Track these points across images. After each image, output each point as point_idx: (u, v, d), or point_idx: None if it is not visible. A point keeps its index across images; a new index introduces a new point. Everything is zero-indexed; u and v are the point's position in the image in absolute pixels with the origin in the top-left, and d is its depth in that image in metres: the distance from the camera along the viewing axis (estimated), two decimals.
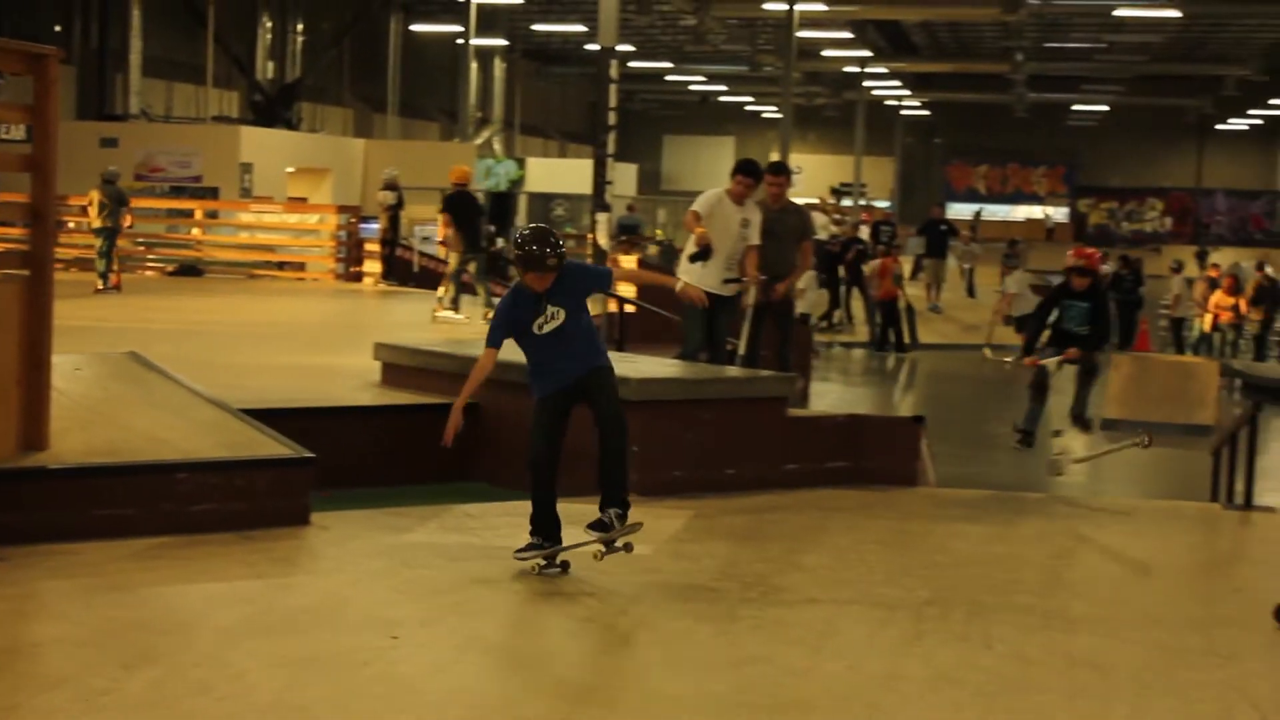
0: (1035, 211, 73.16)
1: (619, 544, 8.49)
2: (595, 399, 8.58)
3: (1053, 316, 13.04)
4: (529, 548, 8.64)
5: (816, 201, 44.44)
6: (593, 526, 8.50)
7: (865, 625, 7.98)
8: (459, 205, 21.06)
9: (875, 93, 60.52)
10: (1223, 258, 42.14)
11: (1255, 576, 10.03)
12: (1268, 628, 8.32)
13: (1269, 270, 33.57)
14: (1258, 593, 9.35)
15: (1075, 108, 68.84)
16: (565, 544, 8.62)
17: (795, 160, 49.23)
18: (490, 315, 20.25)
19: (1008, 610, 8.41)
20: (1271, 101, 62.46)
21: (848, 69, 55.40)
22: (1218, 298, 31.18)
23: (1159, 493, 15.74)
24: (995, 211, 71.55)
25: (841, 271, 32.78)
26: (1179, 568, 10.33)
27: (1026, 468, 14.81)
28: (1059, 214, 73.52)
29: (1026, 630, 8.04)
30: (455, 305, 20.75)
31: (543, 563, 8.58)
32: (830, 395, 21.90)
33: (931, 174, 72.88)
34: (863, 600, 8.51)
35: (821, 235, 34.87)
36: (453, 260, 21.16)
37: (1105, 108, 67.89)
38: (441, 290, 21.10)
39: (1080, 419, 13.09)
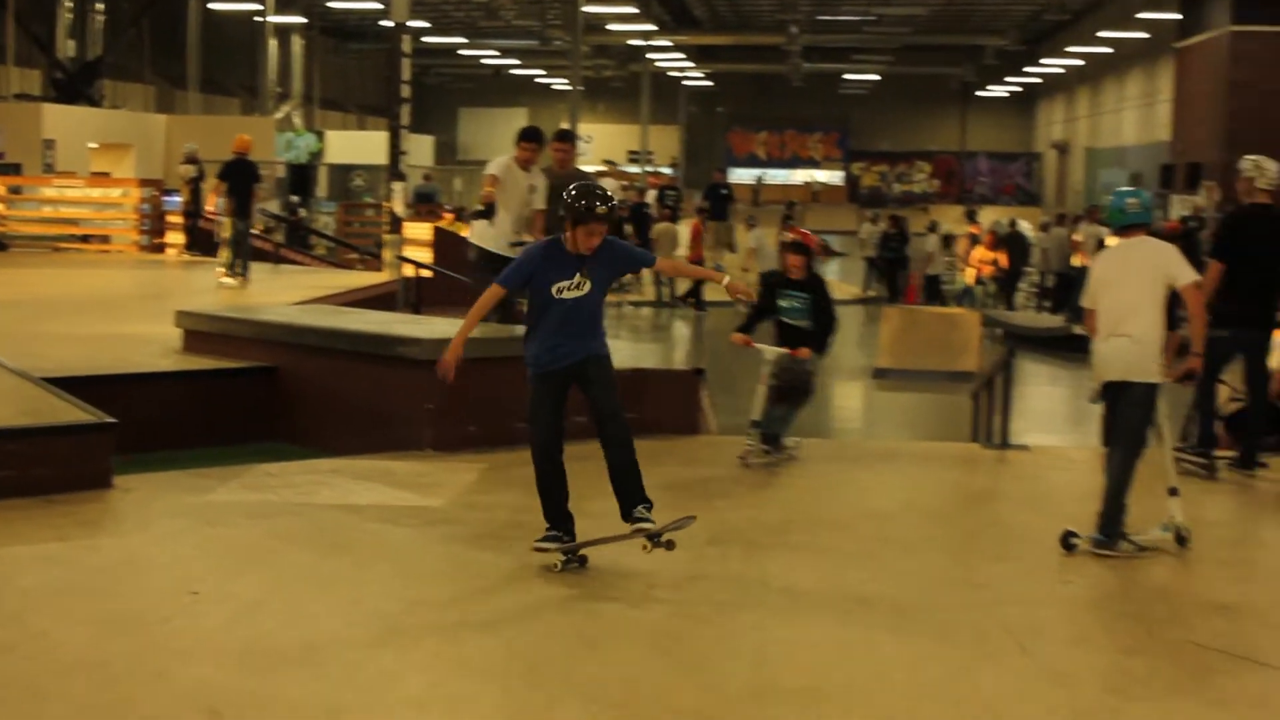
0: (812, 175, 73.96)
1: (664, 538, 7.75)
2: (594, 392, 7.87)
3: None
4: (548, 539, 7.91)
5: (604, 168, 44.41)
6: (628, 521, 7.82)
7: (648, 566, 8.05)
8: (234, 173, 20.90)
9: (660, 65, 60.67)
10: (986, 216, 42.95)
11: (1010, 510, 10.28)
12: (1023, 557, 8.58)
13: (1020, 226, 34.27)
14: (1013, 526, 9.63)
15: (847, 77, 69.57)
16: (590, 539, 7.93)
17: (585, 130, 49.33)
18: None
19: (782, 548, 8.55)
20: (1027, 69, 63.73)
21: (633, 42, 55.42)
22: (980, 253, 31.78)
23: (924, 435, 16.08)
24: (776, 176, 72.25)
25: (629, 233, 32.85)
26: (941, 504, 10.55)
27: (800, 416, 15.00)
28: (835, 177, 74.39)
29: (798, 566, 8.18)
30: (233, 271, 20.52)
31: (564, 558, 7.87)
32: (620, 351, 21.82)
33: (714, 141, 73.25)
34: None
35: None
36: (226, 226, 20.92)
37: (876, 77, 68.70)
38: (222, 256, 20.89)
39: (772, 439, 10.94)
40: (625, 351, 22.59)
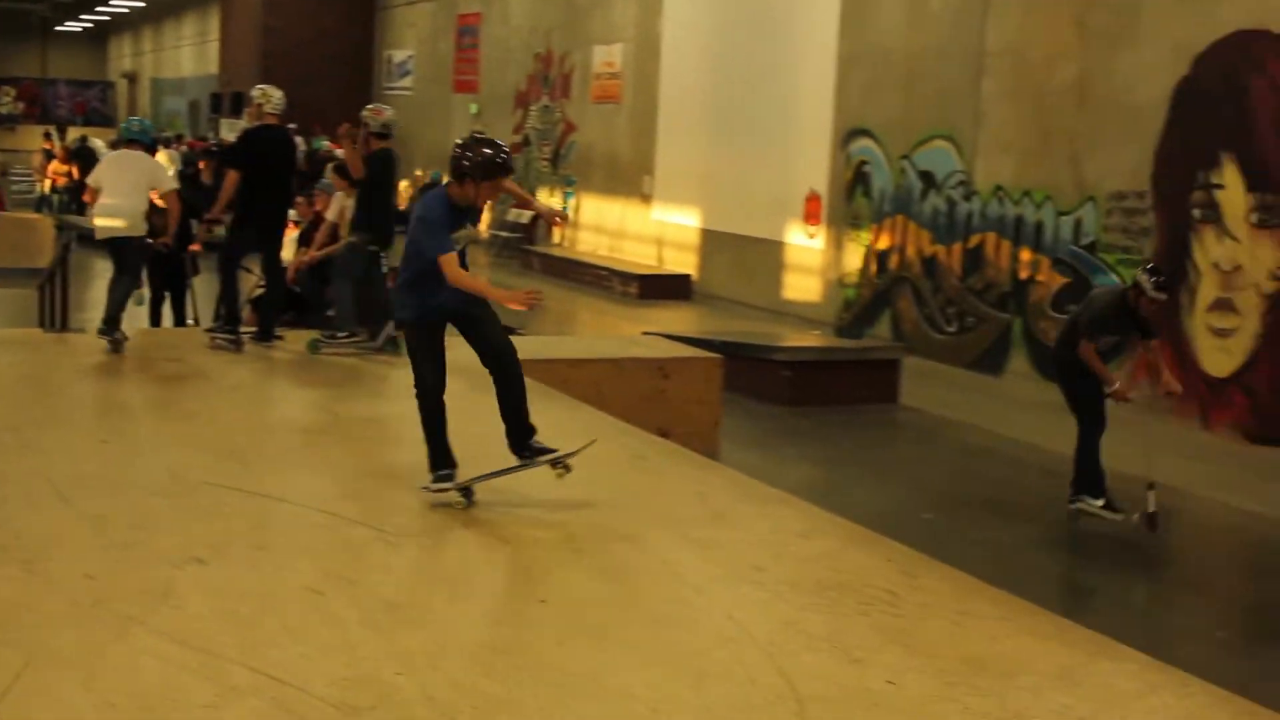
0: None
1: (568, 461, 6.85)
2: (483, 330, 6.82)
3: None
4: (441, 479, 6.84)
5: None
6: (523, 453, 6.88)
7: None
8: None
9: None
10: (71, 135, 41.30)
11: (66, 383, 10.09)
12: (70, 424, 8.52)
13: (92, 142, 33.18)
14: (65, 395, 9.52)
15: None
16: (488, 473, 6.87)
17: None
18: None
19: None
20: (99, 8, 61.50)
21: None
22: (55, 166, 30.77)
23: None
24: None
25: None
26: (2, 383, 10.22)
27: None
28: None
29: None
30: None
31: (461, 493, 6.80)
32: None
33: None
34: None
35: None
36: None
37: None
38: None
39: None
40: None
